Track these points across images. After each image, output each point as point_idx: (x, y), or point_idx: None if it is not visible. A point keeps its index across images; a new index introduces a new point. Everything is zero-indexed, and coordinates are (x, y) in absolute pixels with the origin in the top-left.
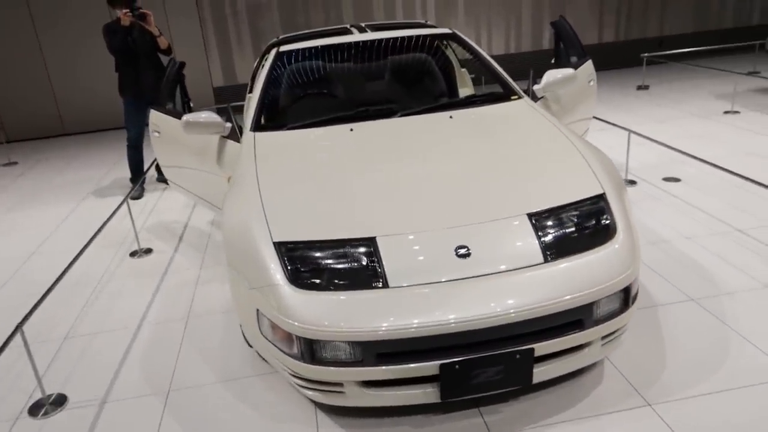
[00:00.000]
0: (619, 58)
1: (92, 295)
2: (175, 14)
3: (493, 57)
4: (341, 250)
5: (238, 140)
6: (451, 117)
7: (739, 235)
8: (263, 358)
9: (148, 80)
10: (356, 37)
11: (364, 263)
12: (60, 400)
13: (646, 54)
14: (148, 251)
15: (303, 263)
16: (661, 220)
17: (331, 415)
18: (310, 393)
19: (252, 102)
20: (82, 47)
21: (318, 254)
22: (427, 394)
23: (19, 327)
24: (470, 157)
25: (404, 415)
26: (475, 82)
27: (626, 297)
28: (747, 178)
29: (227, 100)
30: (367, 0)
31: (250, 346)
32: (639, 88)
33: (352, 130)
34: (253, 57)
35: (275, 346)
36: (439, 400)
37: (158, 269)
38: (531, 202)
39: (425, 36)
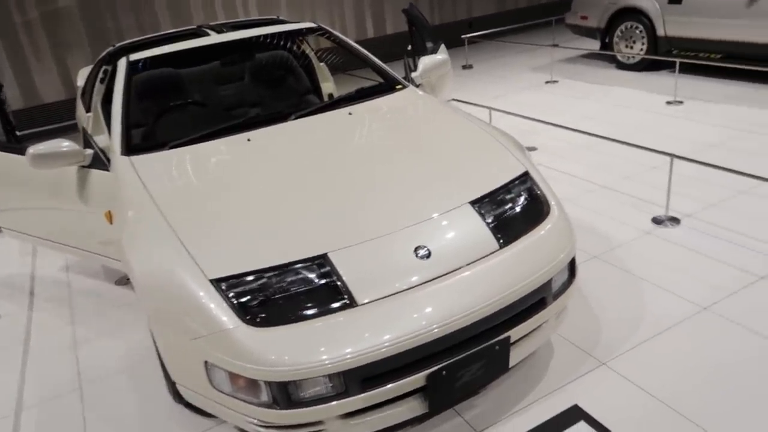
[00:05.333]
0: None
1: None
2: None
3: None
4: (292, 274)
5: (103, 168)
6: (350, 114)
7: (606, 191)
8: (205, 414)
9: None
10: (216, 38)
11: (323, 283)
12: None
13: (465, 35)
14: None
15: (251, 297)
16: None
17: None
18: None
19: (113, 121)
20: None
21: (266, 284)
22: (413, 407)
23: None
24: (392, 153)
25: None
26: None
27: (572, 267)
28: (608, 138)
29: (29, 125)
30: (183, 2)
31: (183, 404)
32: (464, 67)
33: (249, 140)
34: (58, 72)
35: (236, 398)
36: (427, 411)
37: (16, 336)
38: (468, 190)
39: (291, 32)
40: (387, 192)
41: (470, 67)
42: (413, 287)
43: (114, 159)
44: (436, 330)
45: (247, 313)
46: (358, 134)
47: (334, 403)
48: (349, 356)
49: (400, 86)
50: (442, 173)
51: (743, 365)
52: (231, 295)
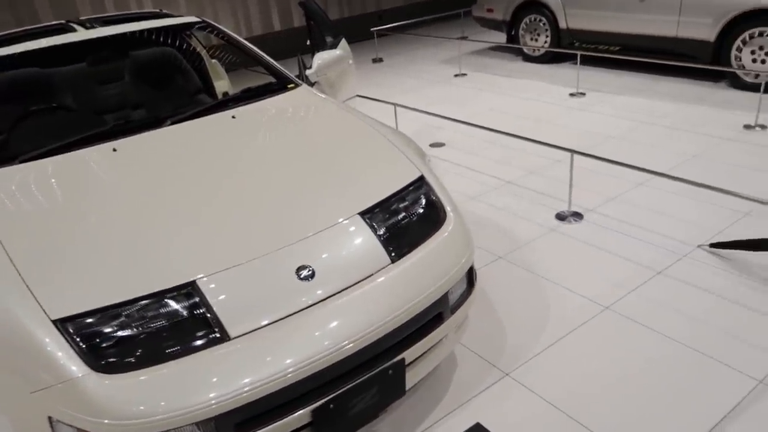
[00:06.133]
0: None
1: None
2: None
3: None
4: (154, 307)
5: None
6: (233, 117)
7: (511, 186)
8: None
9: None
10: (83, 34)
11: (190, 316)
12: None
13: (375, 28)
14: None
15: (103, 339)
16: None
17: None
18: None
19: None
20: None
21: (122, 321)
22: None
23: None
24: (275, 162)
25: None
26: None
27: (471, 276)
28: (512, 135)
29: None
30: None
31: None
32: (374, 61)
33: (115, 150)
34: None
35: None
36: None
37: None
38: (358, 200)
39: (170, 27)
40: (267, 206)
41: (380, 60)
42: (294, 314)
43: None
44: (320, 360)
45: (98, 358)
46: (239, 141)
47: None
48: (217, 400)
49: (292, 85)
50: (330, 182)
51: (645, 367)
52: (78, 337)
